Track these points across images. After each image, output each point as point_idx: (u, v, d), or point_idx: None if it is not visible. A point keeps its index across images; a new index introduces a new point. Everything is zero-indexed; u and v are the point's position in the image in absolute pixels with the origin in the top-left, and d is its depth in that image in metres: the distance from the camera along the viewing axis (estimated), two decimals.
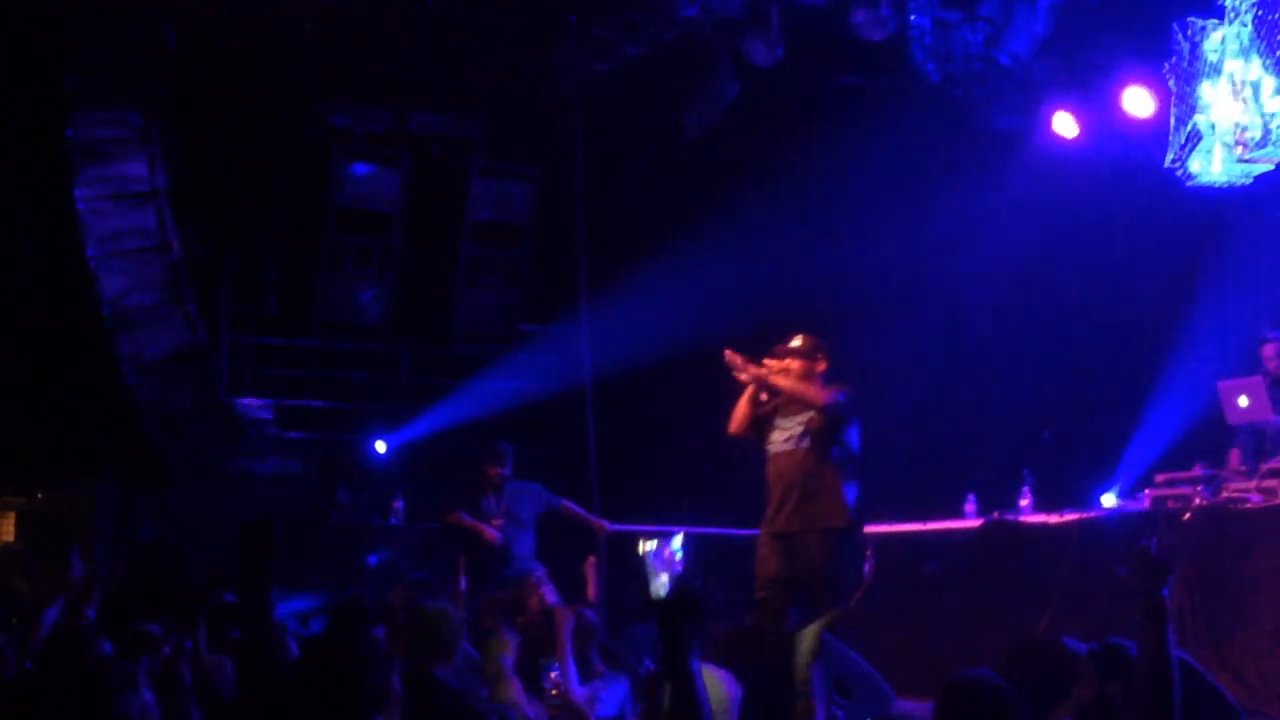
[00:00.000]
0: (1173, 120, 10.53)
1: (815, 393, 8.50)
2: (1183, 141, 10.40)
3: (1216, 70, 10.10)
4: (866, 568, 11.03)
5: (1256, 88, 9.85)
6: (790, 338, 8.82)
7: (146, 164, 13.20)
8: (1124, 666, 4.68)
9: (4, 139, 12.89)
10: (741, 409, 8.77)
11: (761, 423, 8.77)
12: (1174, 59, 10.36)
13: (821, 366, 8.70)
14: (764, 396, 8.77)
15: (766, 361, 8.72)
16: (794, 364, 8.68)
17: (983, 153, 13.15)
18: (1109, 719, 4.67)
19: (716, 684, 5.04)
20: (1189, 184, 10.48)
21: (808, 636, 4.60)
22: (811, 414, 8.54)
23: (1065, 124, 12.31)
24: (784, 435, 8.64)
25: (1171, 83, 10.46)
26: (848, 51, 12.67)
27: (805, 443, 8.53)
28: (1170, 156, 10.45)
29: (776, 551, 8.48)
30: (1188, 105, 10.34)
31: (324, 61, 13.82)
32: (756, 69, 12.82)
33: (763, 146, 13.97)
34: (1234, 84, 9.92)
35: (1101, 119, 11.77)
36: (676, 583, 4.06)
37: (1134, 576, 4.40)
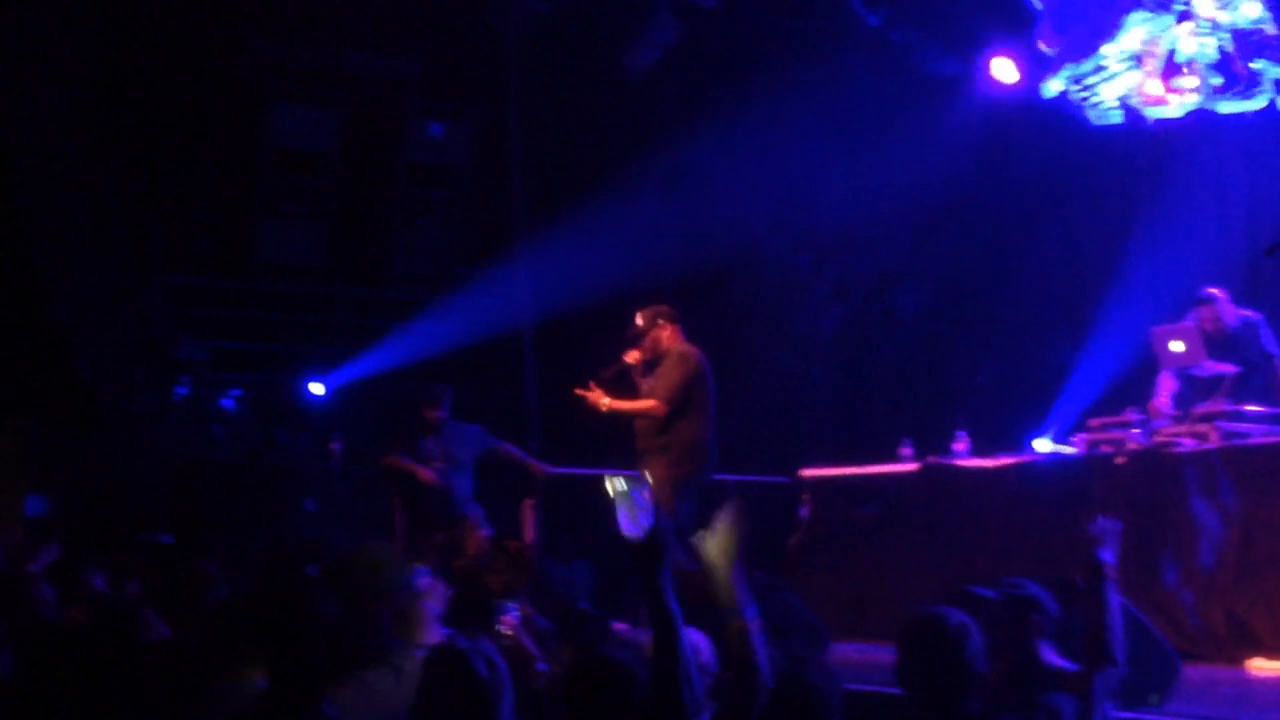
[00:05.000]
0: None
1: (646, 405, 9.21)
2: (1088, 70, 10.41)
3: (1164, 6, 10.12)
4: (803, 511, 11.09)
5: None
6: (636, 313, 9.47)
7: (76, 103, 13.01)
8: (1031, 604, 4.75)
9: None
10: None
11: None
12: None
13: (665, 332, 9.37)
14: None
15: (626, 356, 9.36)
16: (639, 345, 9.35)
17: (922, 97, 13.14)
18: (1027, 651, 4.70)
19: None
20: (1096, 116, 10.51)
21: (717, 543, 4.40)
22: (649, 383, 9.29)
23: (1004, 69, 12.32)
24: None
25: None
26: None
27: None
28: (1069, 85, 10.44)
29: None
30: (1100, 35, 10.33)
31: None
32: (698, 9, 12.76)
33: (704, 87, 13.91)
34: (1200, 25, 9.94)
35: (1040, 64, 11.78)
36: (649, 525, 3.95)
37: (1077, 543, 4.51)
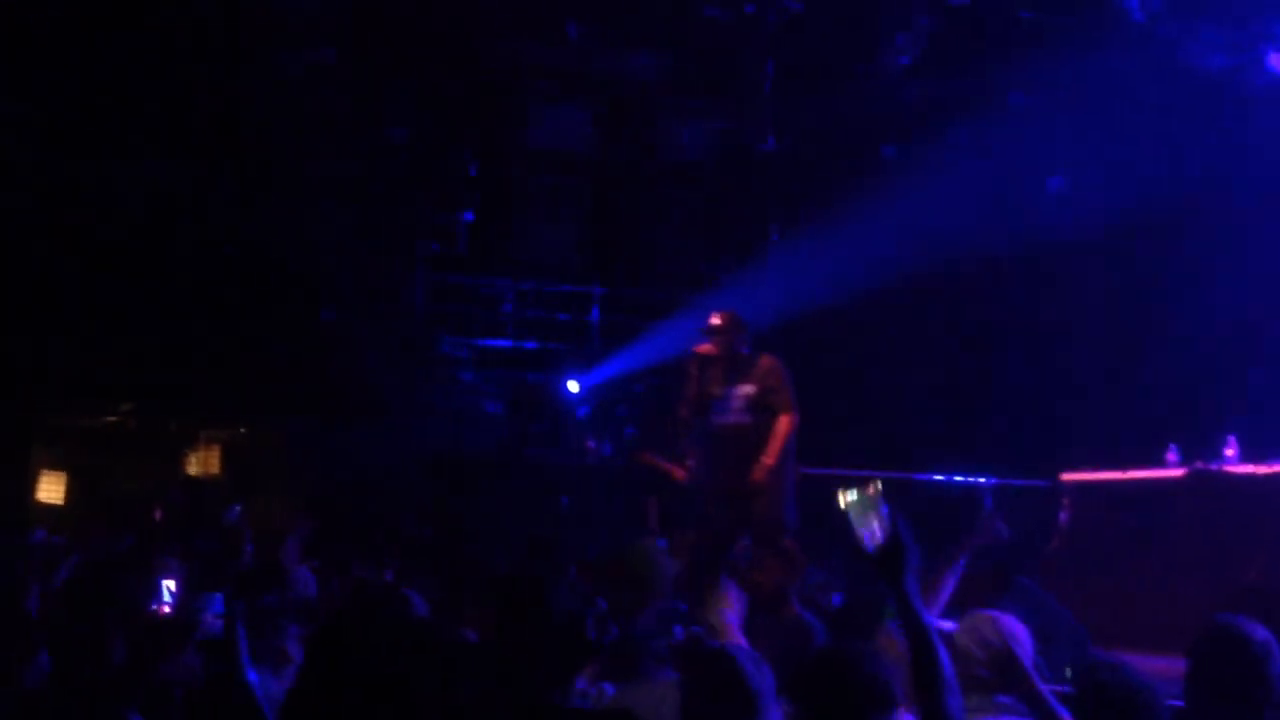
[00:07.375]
0: None
1: (784, 428, 9.04)
2: None
3: None
4: (1063, 516, 10.84)
5: None
6: (711, 315, 9.38)
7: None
8: None
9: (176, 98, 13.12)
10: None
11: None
12: None
13: (741, 335, 9.30)
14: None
15: (698, 348, 9.25)
16: (719, 342, 9.23)
17: (1189, 93, 12.72)
18: None
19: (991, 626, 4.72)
20: None
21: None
22: (748, 392, 9.11)
23: None
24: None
25: None
26: None
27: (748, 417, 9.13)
28: None
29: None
30: None
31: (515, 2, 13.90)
32: (951, 6, 12.58)
33: (956, 86, 13.69)
34: None
35: None
36: (889, 533, 3.87)
37: None
